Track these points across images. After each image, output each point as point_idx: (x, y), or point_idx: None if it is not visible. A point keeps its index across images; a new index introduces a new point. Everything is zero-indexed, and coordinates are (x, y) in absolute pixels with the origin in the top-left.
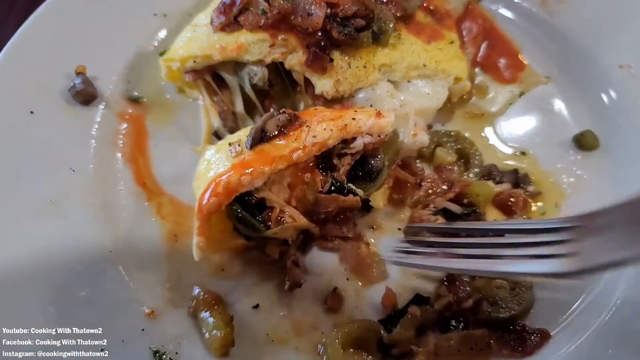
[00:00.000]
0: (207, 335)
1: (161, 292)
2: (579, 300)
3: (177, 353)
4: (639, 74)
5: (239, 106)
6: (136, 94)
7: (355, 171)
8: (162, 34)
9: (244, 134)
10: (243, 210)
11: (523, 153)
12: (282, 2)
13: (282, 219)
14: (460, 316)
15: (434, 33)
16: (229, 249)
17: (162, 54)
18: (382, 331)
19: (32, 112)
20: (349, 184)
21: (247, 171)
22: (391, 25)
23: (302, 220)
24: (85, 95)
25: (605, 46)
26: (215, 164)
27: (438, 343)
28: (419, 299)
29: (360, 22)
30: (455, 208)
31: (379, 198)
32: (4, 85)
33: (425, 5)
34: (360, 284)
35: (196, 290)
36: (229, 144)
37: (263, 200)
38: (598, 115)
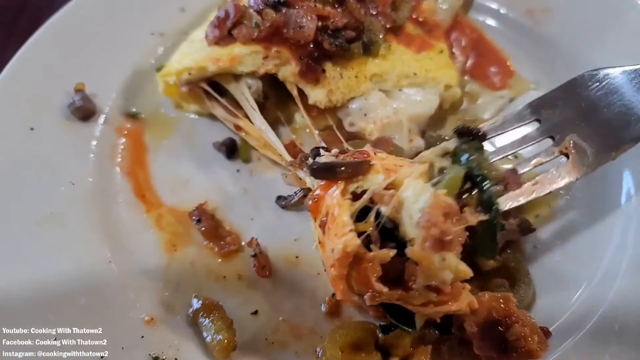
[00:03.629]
0: (209, 339)
1: (160, 300)
2: (577, 294)
3: (176, 359)
4: None
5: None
6: (134, 109)
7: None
8: (159, 51)
9: None
10: None
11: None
12: (274, 15)
13: None
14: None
15: (423, 43)
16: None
17: (158, 69)
18: (378, 332)
19: (32, 129)
20: None
21: None
22: (381, 36)
23: None
24: (84, 111)
25: (591, 51)
26: None
27: (437, 344)
28: None
29: (351, 33)
30: None
31: None
32: (5, 103)
33: (414, 17)
34: None
35: (195, 298)
36: None
37: None
38: None
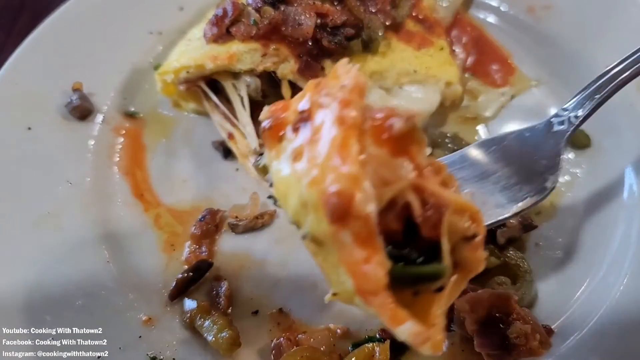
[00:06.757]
0: (212, 338)
1: (158, 300)
2: (580, 291)
3: (174, 359)
4: None
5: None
6: (132, 109)
7: None
8: (157, 50)
9: None
10: None
11: None
12: (272, 12)
13: None
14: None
15: (423, 40)
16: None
17: (156, 68)
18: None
19: (29, 128)
20: None
21: None
22: (380, 34)
23: None
24: (82, 110)
25: (592, 48)
26: None
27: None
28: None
29: (350, 31)
30: None
31: None
32: (2, 103)
33: (414, 14)
34: None
35: (188, 300)
36: None
37: None
38: None
